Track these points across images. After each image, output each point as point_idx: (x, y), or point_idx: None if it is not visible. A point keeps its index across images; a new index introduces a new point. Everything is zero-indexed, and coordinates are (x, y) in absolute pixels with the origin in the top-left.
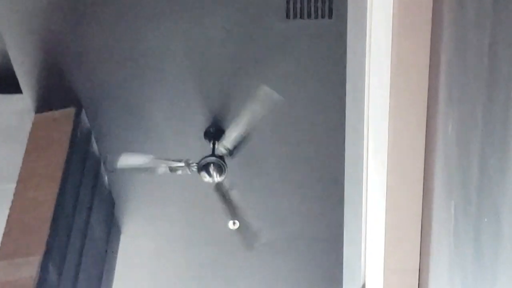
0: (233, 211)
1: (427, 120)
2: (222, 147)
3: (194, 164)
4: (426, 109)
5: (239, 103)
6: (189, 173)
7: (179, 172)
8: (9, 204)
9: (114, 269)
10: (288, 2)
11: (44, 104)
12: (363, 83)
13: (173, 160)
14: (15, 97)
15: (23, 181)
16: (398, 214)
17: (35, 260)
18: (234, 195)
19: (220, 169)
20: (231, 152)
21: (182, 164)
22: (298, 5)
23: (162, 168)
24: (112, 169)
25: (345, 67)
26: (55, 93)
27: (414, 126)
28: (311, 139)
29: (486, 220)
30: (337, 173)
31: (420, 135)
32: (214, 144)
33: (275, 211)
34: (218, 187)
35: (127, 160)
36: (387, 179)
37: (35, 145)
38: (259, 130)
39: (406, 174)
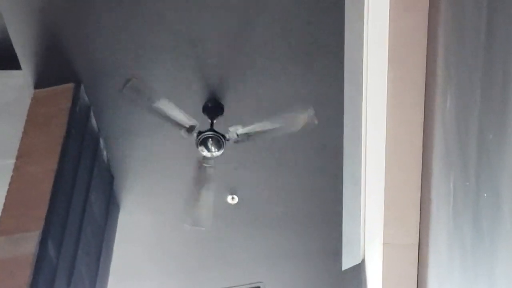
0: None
1: (425, 95)
2: (234, 133)
3: (195, 132)
4: (424, 84)
5: (238, 77)
6: (185, 137)
7: (181, 132)
8: (8, 179)
9: (113, 245)
10: None
11: (43, 79)
12: (361, 53)
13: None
14: (14, 73)
15: (22, 157)
16: (397, 189)
17: (34, 236)
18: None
19: (219, 144)
20: (238, 139)
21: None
22: None
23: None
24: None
25: (343, 36)
26: (54, 68)
27: (412, 100)
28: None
29: (485, 195)
30: (335, 146)
31: (418, 110)
32: (212, 119)
33: (273, 185)
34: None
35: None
36: (386, 153)
37: (34, 121)
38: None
39: (404, 148)
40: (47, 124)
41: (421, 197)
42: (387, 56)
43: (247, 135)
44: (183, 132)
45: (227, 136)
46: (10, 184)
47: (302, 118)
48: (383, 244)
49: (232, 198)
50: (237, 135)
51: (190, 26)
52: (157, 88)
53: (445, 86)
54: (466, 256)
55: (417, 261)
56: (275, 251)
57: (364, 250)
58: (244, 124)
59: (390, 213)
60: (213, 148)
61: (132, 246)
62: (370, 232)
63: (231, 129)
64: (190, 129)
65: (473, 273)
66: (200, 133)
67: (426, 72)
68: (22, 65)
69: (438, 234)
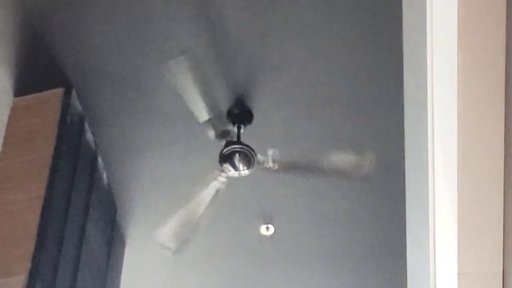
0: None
1: (505, 83)
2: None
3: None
4: (504, 70)
5: (267, 75)
6: (212, 138)
7: (210, 134)
8: None
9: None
10: None
11: (25, 84)
12: (424, 53)
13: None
14: None
15: (1, 182)
16: (473, 205)
17: (19, 281)
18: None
19: (248, 160)
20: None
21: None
22: None
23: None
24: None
25: (401, 27)
26: (38, 70)
27: (490, 91)
28: (364, 119)
29: None
30: (394, 159)
31: (498, 105)
32: (239, 128)
33: (318, 212)
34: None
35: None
36: (458, 161)
37: (15, 137)
38: (304, 113)
39: (482, 153)
40: (31, 140)
41: (504, 213)
42: (456, 33)
43: (285, 166)
44: (212, 134)
45: (258, 157)
46: None
47: (358, 162)
48: (459, 274)
49: (267, 228)
50: (273, 161)
51: (206, 15)
52: (166, 91)
53: None
54: None
55: None
56: None
57: (435, 283)
58: (283, 150)
59: (465, 235)
60: (240, 166)
61: None
62: (442, 260)
63: (269, 152)
64: (223, 134)
65: None
66: (227, 144)
67: (506, 53)
68: None
69: None
